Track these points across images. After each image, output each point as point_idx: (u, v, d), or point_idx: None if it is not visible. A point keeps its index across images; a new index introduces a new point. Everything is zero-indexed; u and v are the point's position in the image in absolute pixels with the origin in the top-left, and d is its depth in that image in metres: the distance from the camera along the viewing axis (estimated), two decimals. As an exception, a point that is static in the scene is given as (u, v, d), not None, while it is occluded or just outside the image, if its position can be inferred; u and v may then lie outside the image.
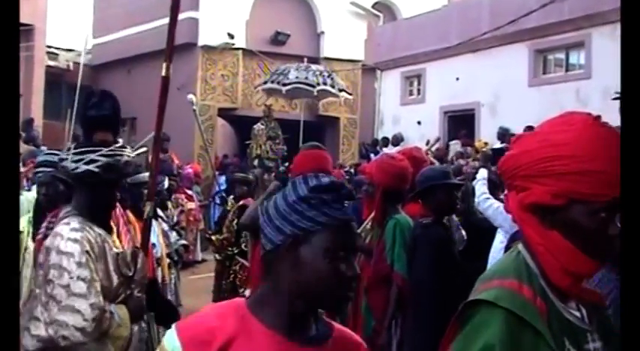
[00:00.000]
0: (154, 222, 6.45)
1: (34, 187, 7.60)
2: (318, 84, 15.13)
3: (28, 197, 6.32)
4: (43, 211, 3.54)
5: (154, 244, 6.25)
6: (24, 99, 18.67)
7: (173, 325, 1.72)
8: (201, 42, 18.46)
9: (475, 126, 15.94)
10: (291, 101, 17.51)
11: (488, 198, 6.09)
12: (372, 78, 20.05)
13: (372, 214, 4.96)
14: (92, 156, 2.98)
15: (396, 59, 18.18)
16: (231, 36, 18.51)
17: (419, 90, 18.13)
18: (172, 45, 3.44)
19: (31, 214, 4.09)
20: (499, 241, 5.89)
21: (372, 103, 19.90)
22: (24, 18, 17.89)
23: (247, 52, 19.14)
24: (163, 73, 3.39)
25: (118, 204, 4.86)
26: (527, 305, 1.60)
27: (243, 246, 8.20)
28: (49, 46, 20.64)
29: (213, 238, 8.54)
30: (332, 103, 18.57)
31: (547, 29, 14.08)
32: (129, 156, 3.15)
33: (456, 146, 14.91)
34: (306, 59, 16.40)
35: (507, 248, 2.75)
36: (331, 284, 1.62)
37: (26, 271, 3.83)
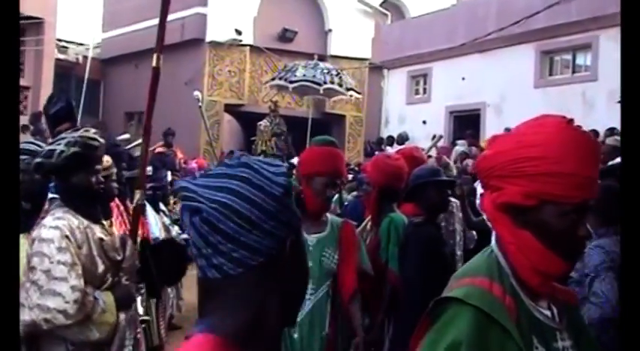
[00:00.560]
0: (156, 216, 6.58)
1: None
2: (325, 82, 15.15)
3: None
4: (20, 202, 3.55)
5: (157, 238, 6.33)
6: (33, 92, 18.81)
7: None
8: (208, 38, 18.56)
9: (480, 126, 15.96)
10: (302, 98, 17.55)
11: None
12: (379, 76, 20.08)
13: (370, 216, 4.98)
14: (70, 138, 3.06)
15: (403, 58, 18.21)
16: (239, 32, 18.58)
17: (425, 89, 18.15)
18: (163, 36, 3.49)
19: None
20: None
21: (378, 102, 19.94)
22: (34, 11, 18.00)
23: (254, 49, 19.21)
24: (154, 64, 3.44)
25: (116, 197, 4.95)
26: (496, 303, 1.64)
27: None
28: (59, 40, 20.74)
29: None
30: (339, 100, 18.60)
31: (554, 30, 14.09)
32: (96, 133, 3.21)
33: (460, 147, 14.90)
34: (316, 56, 16.43)
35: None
36: None
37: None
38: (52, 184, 3.38)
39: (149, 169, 6.48)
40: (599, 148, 1.75)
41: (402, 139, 16.42)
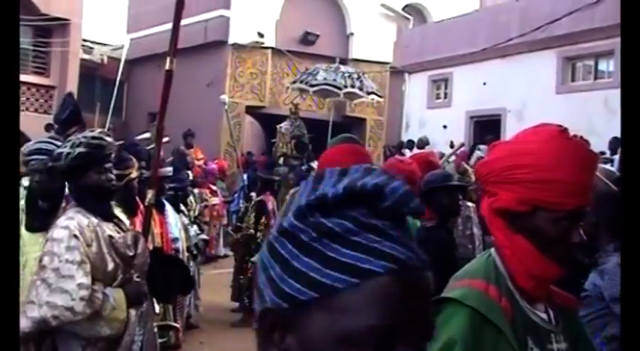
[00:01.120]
0: (176, 216, 6.68)
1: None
2: (346, 86, 15.24)
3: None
4: (35, 200, 3.65)
5: (177, 239, 6.42)
6: (58, 91, 19.08)
7: None
8: (231, 40, 18.69)
9: (501, 132, 15.91)
10: (324, 100, 17.64)
11: None
12: (400, 80, 20.09)
13: None
14: (75, 140, 3.17)
15: (424, 62, 18.22)
16: (261, 35, 18.70)
17: (446, 94, 18.14)
18: (176, 40, 3.58)
19: (22, 202, 4.19)
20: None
21: (398, 106, 19.95)
22: (61, 13, 18.32)
23: (276, 52, 19.32)
24: (167, 67, 3.52)
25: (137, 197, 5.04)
26: (492, 305, 1.69)
27: (259, 241, 8.38)
28: (84, 40, 20.99)
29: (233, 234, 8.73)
30: (359, 104, 18.66)
31: (577, 37, 14.03)
32: (102, 133, 3.31)
33: (481, 152, 14.82)
34: (338, 59, 16.51)
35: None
36: None
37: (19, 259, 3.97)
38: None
39: (169, 169, 6.57)
40: (595, 156, 1.80)
41: (423, 143, 16.41)
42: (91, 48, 22.78)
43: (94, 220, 3.15)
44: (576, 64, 15.00)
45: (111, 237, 3.17)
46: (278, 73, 19.58)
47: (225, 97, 10.31)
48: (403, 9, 20.88)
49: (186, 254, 6.68)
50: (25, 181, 3.62)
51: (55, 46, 19.14)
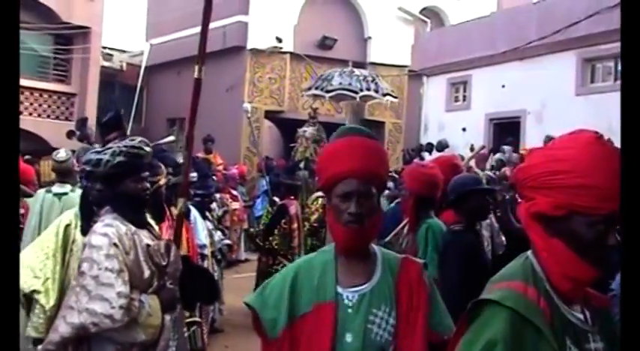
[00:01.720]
0: (203, 222, 6.75)
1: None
2: (362, 90, 15.24)
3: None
4: (90, 206, 3.74)
5: (204, 245, 6.49)
6: (79, 99, 19.28)
7: None
8: (250, 45, 18.80)
9: (521, 134, 15.88)
10: (338, 104, 17.67)
11: None
12: (418, 83, 20.10)
13: (407, 219, 5.09)
14: (115, 148, 3.25)
15: (442, 65, 18.21)
16: (280, 40, 18.79)
17: (464, 96, 18.12)
18: (204, 48, 3.62)
19: (77, 208, 4.31)
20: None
21: (417, 109, 19.96)
22: (82, 21, 18.53)
23: (295, 56, 19.40)
24: (195, 75, 3.57)
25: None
26: (531, 306, 1.74)
27: (274, 244, 8.43)
28: (104, 48, 21.20)
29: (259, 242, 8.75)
30: (377, 107, 18.67)
31: (596, 38, 13.96)
32: (144, 145, 3.38)
33: (502, 154, 14.74)
34: (351, 63, 16.52)
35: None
36: None
37: (74, 263, 4.06)
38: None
39: (194, 175, 6.64)
40: None
41: (442, 146, 16.39)
42: (111, 55, 23.01)
43: (132, 228, 3.22)
44: (596, 65, 14.92)
45: (148, 245, 3.24)
46: (296, 78, 19.66)
47: (247, 106, 10.36)
48: (420, 12, 20.89)
49: (211, 260, 6.74)
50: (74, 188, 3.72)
51: (76, 54, 19.34)
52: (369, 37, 20.31)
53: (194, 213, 6.57)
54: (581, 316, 1.84)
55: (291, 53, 19.32)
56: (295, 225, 8.75)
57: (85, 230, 3.63)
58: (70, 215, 4.43)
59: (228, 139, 17.67)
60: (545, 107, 15.20)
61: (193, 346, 5.42)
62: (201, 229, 6.57)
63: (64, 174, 6.74)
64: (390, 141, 20.68)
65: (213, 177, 10.94)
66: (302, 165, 12.69)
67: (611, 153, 1.77)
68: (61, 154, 6.71)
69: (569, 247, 1.77)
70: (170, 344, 3.25)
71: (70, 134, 18.13)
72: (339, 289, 2.31)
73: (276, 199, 9.20)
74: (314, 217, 9.73)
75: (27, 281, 4.12)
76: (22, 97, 17.86)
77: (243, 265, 13.43)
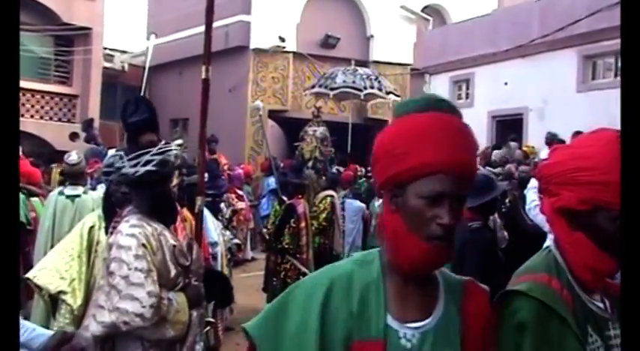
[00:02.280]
0: (215, 222, 6.83)
1: (100, 187, 8.01)
2: (365, 88, 15.36)
3: (93, 196, 6.68)
4: (113, 207, 3.83)
5: (216, 242, 6.57)
6: (81, 100, 19.32)
7: None
8: (252, 45, 18.86)
9: (523, 131, 15.95)
10: (340, 103, 17.75)
11: (538, 205, 6.27)
12: (421, 82, 20.14)
13: None
14: (147, 157, 3.30)
15: (445, 63, 18.26)
16: (282, 39, 18.85)
17: (467, 94, 18.17)
18: (210, 48, 3.70)
19: (100, 210, 4.41)
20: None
21: (420, 107, 20.00)
22: (83, 21, 18.51)
23: (298, 55, 19.47)
24: (203, 76, 3.65)
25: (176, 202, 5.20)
26: (555, 296, 1.84)
27: (284, 244, 8.53)
28: (104, 48, 21.24)
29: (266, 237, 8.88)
30: (380, 106, 18.74)
31: (597, 35, 14.03)
32: (176, 150, 3.46)
33: (503, 151, 14.77)
34: (353, 62, 16.60)
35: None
36: None
37: (99, 263, 4.14)
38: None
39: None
40: None
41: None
42: (112, 56, 23.02)
43: (157, 228, 3.30)
44: (597, 62, 14.98)
45: (174, 246, 3.33)
46: (300, 77, 19.71)
47: (260, 104, 10.42)
48: (422, 10, 20.94)
49: (225, 260, 6.82)
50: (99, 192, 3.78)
51: (77, 55, 19.37)
52: (372, 36, 20.37)
53: (205, 212, 6.64)
54: (601, 305, 1.94)
55: (294, 53, 19.38)
56: (303, 224, 8.84)
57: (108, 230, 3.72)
58: (94, 217, 4.53)
59: (232, 139, 17.73)
60: (547, 104, 15.27)
61: (207, 345, 5.52)
62: (213, 229, 6.65)
63: (76, 176, 6.83)
64: (393, 139, 20.70)
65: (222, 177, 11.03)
66: (310, 164, 12.77)
67: None
68: (73, 157, 6.79)
69: (592, 240, 1.87)
70: (197, 340, 3.34)
71: (73, 136, 18.22)
72: (391, 323, 1.71)
73: (285, 198, 9.29)
74: (322, 216, 9.83)
75: (53, 282, 4.22)
76: (23, 100, 17.89)
77: (250, 265, 13.52)
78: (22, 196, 7.33)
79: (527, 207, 6.55)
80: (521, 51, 15.51)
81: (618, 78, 14.30)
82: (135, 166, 3.30)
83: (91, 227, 4.45)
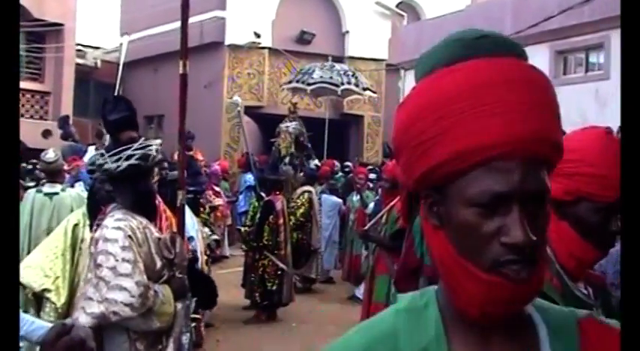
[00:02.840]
0: (194, 218, 6.83)
1: (78, 184, 7.95)
2: (342, 83, 15.43)
3: (71, 194, 6.67)
4: (98, 205, 3.86)
5: (192, 237, 6.57)
6: (54, 97, 19.10)
7: None
8: (228, 41, 18.83)
9: (497, 125, 16.13)
10: (316, 99, 17.80)
11: None
12: (396, 77, 20.27)
13: (386, 208, 5.42)
14: (128, 152, 3.35)
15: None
16: (258, 35, 18.83)
17: (442, 89, 18.32)
18: (186, 43, 3.74)
19: (84, 208, 4.43)
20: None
21: (395, 102, 20.03)
22: (55, 17, 18.25)
23: (273, 51, 19.47)
24: (181, 71, 3.70)
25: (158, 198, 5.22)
26: (546, 284, 1.91)
27: (264, 241, 8.58)
28: (77, 44, 21.02)
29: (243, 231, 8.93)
30: (356, 101, 18.81)
31: (568, 31, 14.27)
32: (156, 146, 3.51)
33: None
34: (330, 58, 16.65)
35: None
36: None
37: (83, 261, 4.16)
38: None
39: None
40: None
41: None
42: (84, 52, 22.78)
43: (142, 221, 3.34)
44: (568, 57, 15.23)
45: (158, 238, 3.37)
46: (275, 73, 19.71)
47: (238, 99, 10.42)
48: (397, 6, 21.05)
49: (204, 257, 6.83)
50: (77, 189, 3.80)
51: (49, 52, 19.15)
52: (347, 32, 20.43)
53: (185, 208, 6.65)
54: (585, 292, 2.02)
55: (269, 48, 19.38)
56: (281, 220, 8.90)
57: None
58: (78, 215, 4.55)
59: (208, 136, 17.67)
60: (520, 98, 15.46)
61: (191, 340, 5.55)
62: (191, 224, 6.64)
63: (53, 174, 6.80)
64: (370, 134, 20.84)
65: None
66: (287, 160, 12.82)
67: (619, 146, 1.94)
68: (50, 155, 6.78)
69: (576, 230, 1.94)
70: (183, 330, 3.38)
71: (46, 133, 18.03)
72: None
73: (262, 194, 9.33)
74: (300, 211, 9.90)
75: (37, 280, 4.23)
76: (-6, 97, 17.66)
77: (228, 261, 13.51)
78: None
79: None
80: (494, 46, 15.66)
81: (589, 73, 14.55)
82: (117, 161, 3.34)
83: (76, 225, 4.47)
